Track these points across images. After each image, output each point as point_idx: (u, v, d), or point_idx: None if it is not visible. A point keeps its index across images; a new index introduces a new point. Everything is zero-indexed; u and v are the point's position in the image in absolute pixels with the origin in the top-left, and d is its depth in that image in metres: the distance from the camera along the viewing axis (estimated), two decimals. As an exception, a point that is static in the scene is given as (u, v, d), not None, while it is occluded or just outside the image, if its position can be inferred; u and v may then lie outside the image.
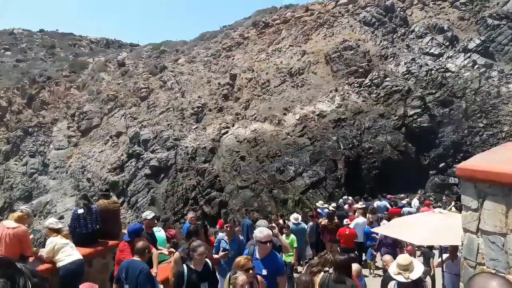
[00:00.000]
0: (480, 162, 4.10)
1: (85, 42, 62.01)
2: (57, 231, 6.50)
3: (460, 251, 8.32)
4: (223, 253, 6.91)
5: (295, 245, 10.05)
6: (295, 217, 12.08)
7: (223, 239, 7.47)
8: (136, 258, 5.33)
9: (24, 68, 46.67)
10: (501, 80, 27.30)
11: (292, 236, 10.23)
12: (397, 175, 23.98)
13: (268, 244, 5.41)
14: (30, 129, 36.50)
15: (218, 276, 5.88)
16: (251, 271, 4.56)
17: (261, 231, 5.53)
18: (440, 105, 26.70)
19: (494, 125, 24.76)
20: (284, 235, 9.69)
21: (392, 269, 5.51)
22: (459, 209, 14.32)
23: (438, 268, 11.48)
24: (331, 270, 4.99)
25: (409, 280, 5.07)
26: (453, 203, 15.97)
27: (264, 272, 5.21)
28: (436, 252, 10.34)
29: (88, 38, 64.83)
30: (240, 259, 4.80)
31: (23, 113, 37.96)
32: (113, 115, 36.08)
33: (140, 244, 5.38)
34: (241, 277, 4.20)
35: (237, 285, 4.11)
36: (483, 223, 3.66)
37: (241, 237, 8.32)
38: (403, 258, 5.70)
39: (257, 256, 5.38)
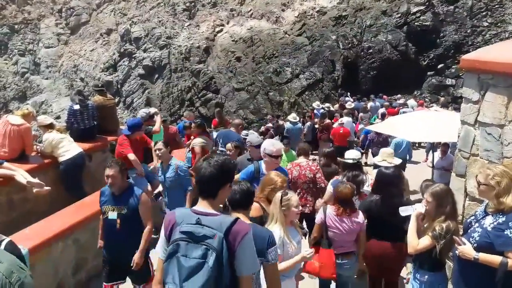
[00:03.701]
0: (484, 53, 3.98)
1: None
2: (50, 126, 6.51)
3: (451, 148, 8.57)
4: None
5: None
6: (293, 116, 12.26)
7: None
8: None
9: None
10: (513, -25, 25.63)
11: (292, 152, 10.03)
12: (395, 76, 23.73)
13: (279, 158, 4.92)
14: (16, 26, 34.89)
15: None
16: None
17: (273, 144, 5.00)
18: (445, 2, 25.34)
19: (499, 24, 23.79)
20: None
21: (377, 158, 6.15)
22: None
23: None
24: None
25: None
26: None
27: None
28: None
29: None
30: (276, 179, 3.93)
31: (6, 8, 35.86)
32: (102, 11, 34.25)
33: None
34: (294, 197, 3.62)
35: (291, 207, 3.52)
36: (482, 115, 3.66)
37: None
38: (388, 149, 6.65)
39: (264, 171, 4.78)
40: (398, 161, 5.88)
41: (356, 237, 4.32)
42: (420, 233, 3.51)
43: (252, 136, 6.08)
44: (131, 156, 5.97)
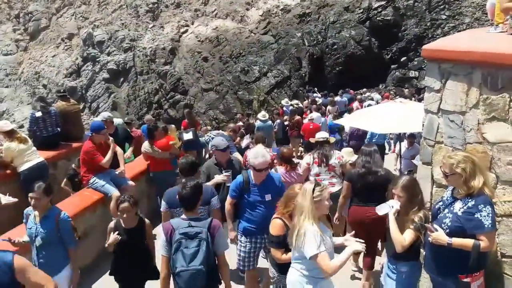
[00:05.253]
0: (445, 42, 4.08)
1: None
2: (11, 133, 6.24)
3: (417, 138, 8.82)
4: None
5: None
6: (262, 114, 12.20)
7: None
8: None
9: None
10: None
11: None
12: (359, 70, 24.21)
13: (263, 172, 4.36)
14: (-30, 34, 33.38)
15: None
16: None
17: (256, 155, 4.33)
18: (404, -3, 26.14)
19: (456, 17, 24.71)
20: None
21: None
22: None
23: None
24: None
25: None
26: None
27: (268, 197, 4.37)
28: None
29: None
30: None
31: (-42, 15, 34.27)
32: (62, 15, 33.22)
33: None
34: (328, 189, 3.42)
35: (323, 199, 3.28)
36: (444, 103, 3.75)
37: None
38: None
39: (254, 182, 4.41)
40: (355, 157, 6.27)
41: None
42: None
43: (217, 139, 5.48)
44: (105, 162, 5.86)
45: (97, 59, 28.75)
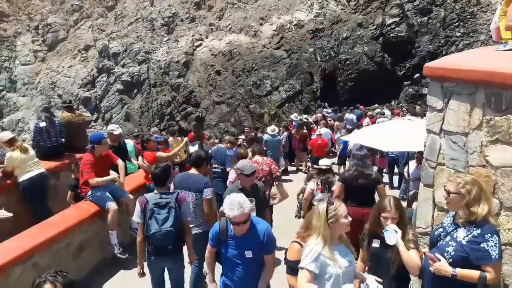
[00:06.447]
0: (447, 60, 3.95)
1: None
2: (11, 142, 6.24)
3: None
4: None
5: None
6: (272, 129, 12.16)
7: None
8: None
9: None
10: (483, -13, 26.40)
11: None
12: (372, 86, 24.01)
13: (243, 224, 3.46)
14: (-9, 44, 34.30)
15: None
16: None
17: (231, 205, 3.37)
18: (418, 14, 25.97)
19: (471, 34, 24.45)
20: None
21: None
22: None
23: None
24: None
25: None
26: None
27: (248, 254, 3.51)
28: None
29: None
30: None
31: (-19, 26, 35.27)
32: (79, 27, 33.96)
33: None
34: (342, 206, 3.09)
35: (339, 218, 3.01)
36: (446, 123, 3.61)
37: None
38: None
39: (232, 233, 3.56)
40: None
41: None
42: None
43: (243, 162, 5.00)
44: (92, 181, 5.68)
45: (112, 71, 29.18)
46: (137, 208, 4.16)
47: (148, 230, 4.04)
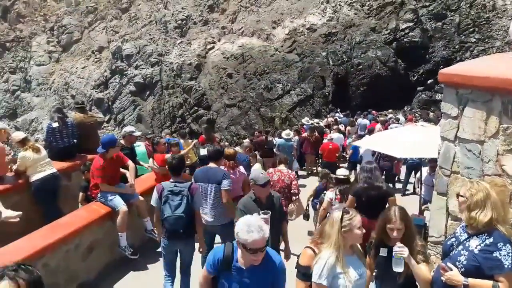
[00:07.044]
0: (462, 67, 3.87)
1: None
2: (23, 142, 6.30)
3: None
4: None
5: None
6: (286, 133, 12.22)
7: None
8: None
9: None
10: (499, -8, 26.09)
11: None
12: (384, 91, 23.82)
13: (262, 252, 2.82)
14: (7, 44, 34.87)
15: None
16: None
17: (248, 227, 2.74)
18: (433, 19, 25.71)
19: (486, 40, 24.12)
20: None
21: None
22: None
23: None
24: None
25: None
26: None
27: None
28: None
29: None
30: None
31: (-2, 27, 35.94)
32: (94, 29, 34.39)
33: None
34: (357, 216, 2.97)
35: (353, 228, 2.92)
36: (461, 130, 3.53)
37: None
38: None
39: (238, 262, 2.95)
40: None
41: (242, 184, 5.89)
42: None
43: (256, 172, 4.84)
44: (103, 187, 5.77)
45: (125, 72, 29.46)
46: (154, 193, 4.58)
47: (162, 215, 4.48)
